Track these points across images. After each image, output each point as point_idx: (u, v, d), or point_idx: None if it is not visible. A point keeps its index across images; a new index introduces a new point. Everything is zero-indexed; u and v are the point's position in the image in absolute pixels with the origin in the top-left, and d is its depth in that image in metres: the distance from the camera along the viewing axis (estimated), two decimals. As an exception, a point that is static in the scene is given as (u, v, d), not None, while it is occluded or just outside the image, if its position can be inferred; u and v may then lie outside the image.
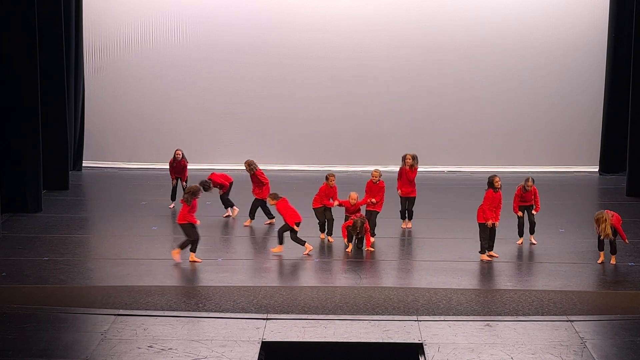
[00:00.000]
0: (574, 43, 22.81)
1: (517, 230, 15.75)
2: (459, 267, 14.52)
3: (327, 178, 16.07)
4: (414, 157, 16.59)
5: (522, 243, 15.76)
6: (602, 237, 14.42)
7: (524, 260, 15.08)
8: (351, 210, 15.80)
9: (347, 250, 15.23)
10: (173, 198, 18.43)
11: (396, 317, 12.46)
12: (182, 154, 18.43)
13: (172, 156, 18.47)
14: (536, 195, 15.79)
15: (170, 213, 17.97)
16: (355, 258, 15.00)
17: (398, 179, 16.86)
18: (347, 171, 22.24)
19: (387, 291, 13.36)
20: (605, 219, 14.24)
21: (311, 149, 22.82)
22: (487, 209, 14.83)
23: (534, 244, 15.73)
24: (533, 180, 15.69)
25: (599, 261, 14.61)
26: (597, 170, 22.70)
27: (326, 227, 15.99)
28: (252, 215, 17.07)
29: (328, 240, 15.90)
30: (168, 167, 18.62)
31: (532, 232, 15.82)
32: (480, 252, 14.90)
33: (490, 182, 14.97)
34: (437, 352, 11.19)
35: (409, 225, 16.94)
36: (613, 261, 14.61)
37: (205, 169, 20.32)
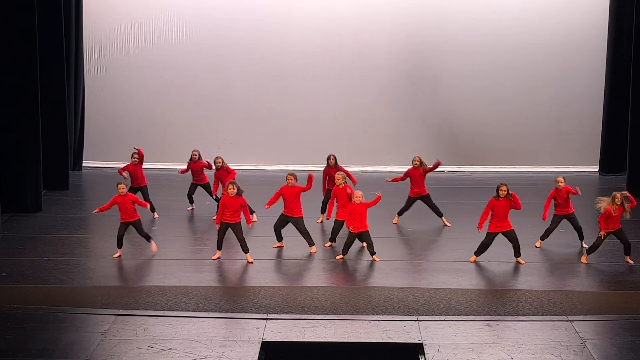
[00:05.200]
0: (574, 43, 22.78)
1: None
2: (459, 267, 14.52)
3: (286, 178, 15.44)
4: (420, 160, 16.99)
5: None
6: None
7: (524, 260, 15.04)
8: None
9: (337, 257, 14.88)
10: (191, 200, 18.11)
11: (396, 317, 12.47)
12: (199, 154, 17.88)
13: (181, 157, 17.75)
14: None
15: (177, 214, 17.99)
16: (357, 258, 15.00)
17: (411, 181, 17.07)
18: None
19: (387, 291, 13.36)
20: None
21: (311, 149, 22.78)
22: (483, 215, 14.63)
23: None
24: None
25: (583, 261, 14.68)
26: (597, 170, 22.67)
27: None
28: None
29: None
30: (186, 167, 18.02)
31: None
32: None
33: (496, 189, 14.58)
34: (437, 352, 11.19)
35: (447, 223, 17.01)
36: (629, 260, 14.61)
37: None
